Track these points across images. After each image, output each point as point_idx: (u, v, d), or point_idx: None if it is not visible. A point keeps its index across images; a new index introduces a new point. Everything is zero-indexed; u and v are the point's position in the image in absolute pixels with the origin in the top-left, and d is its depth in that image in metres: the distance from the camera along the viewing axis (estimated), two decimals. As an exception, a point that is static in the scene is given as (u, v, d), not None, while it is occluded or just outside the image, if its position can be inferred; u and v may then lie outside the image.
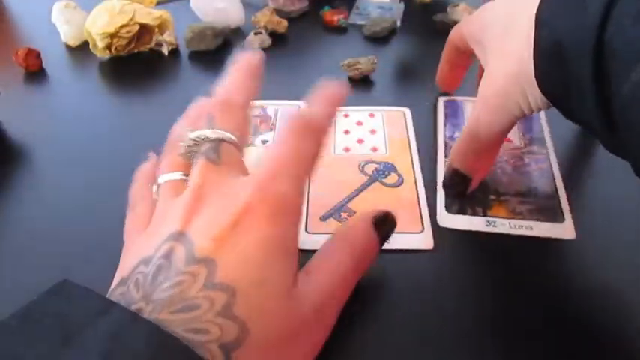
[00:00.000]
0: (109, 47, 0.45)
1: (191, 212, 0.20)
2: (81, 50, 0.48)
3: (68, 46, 0.48)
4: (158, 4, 0.54)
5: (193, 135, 0.23)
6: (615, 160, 0.22)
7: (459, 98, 0.39)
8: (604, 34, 0.20)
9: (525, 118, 0.34)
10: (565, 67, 0.21)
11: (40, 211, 0.32)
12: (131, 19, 0.45)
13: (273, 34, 0.49)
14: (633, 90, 0.18)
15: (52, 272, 0.28)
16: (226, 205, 0.20)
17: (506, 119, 0.26)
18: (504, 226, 0.28)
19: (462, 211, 0.29)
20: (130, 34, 0.45)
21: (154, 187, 0.24)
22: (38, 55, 0.45)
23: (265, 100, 0.39)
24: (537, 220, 0.29)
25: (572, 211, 0.29)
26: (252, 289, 0.18)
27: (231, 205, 0.19)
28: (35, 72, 0.45)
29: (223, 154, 0.22)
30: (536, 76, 0.23)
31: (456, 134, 0.35)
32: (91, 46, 0.46)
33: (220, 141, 0.22)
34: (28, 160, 0.36)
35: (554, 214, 0.29)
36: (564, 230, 0.28)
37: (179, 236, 0.19)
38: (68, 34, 0.48)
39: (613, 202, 0.30)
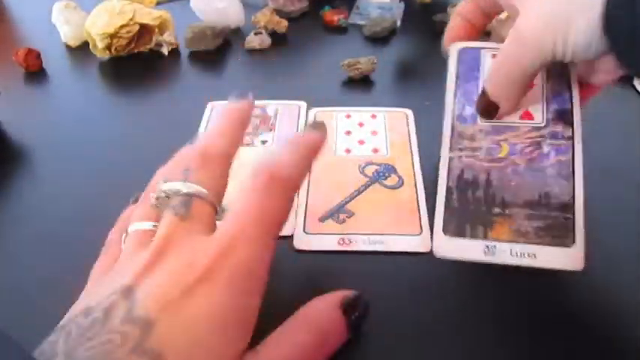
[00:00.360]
0: (109, 47, 0.45)
1: (146, 268, 0.19)
2: (81, 50, 0.48)
3: (68, 46, 0.48)
4: (158, 4, 0.54)
5: (165, 187, 0.22)
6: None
7: (479, 46, 0.30)
8: None
9: (555, 80, 0.28)
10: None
11: (40, 211, 0.32)
12: (131, 19, 0.45)
13: (273, 34, 0.49)
14: None
15: (51, 272, 0.28)
16: (182, 267, 0.19)
17: (538, 61, 0.24)
18: (505, 252, 0.25)
19: (460, 232, 0.26)
20: (130, 34, 0.45)
21: (123, 235, 0.23)
22: (38, 55, 0.45)
23: (265, 100, 0.39)
24: (543, 243, 0.25)
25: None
26: (183, 359, 0.17)
27: (188, 269, 0.19)
28: (35, 72, 0.45)
29: (193, 210, 0.21)
30: (604, 17, 0.22)
31: (467, 110, 0.28)
32: (91, 46, 0.46)
33: (192, 196, 0.21)
34: (28, 160, 0.36)
35: (563, 235, 0.25)
36: (572, 259, 0.24)
37: (126, 291, 0.18)
38: (68, 34, 0.48)
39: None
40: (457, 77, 0.29)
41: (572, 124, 0.27)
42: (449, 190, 0.26)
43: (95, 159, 0.36)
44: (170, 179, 0.22)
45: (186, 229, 0.20)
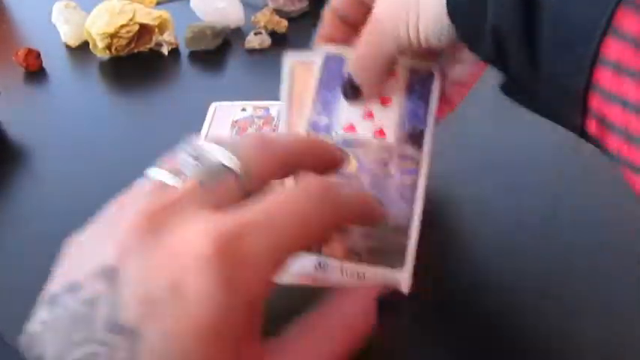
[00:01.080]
0: (109, 47, 0.45)
1: (134, 239, 0.16)
2: (81, 50, 0.48)
3: (68, 46, 0.48)
4: (158, 4, 0.54)
5: (207, 146, 0.19)
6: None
7: (345, 53, 0.28)
8: None
9: (414, 98, 0.28)
10: None
11: (40, 211, 0.32)
12: (131, 19, 0.45)
13: (273, 34, 0.48)
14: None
15: (51, 272, 0.28)
16: (175, 250, 0.16)
17: (392, 45, 0.24)
18: (336, 270, 0.24)
19: None
20: (130, 34, 0.45)
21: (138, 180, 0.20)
22: (38, 55, 0.45)
23: (268, 101, 0.39)
24: (373, 263, 0.24)
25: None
26: None
27: (178, 254, 0.16)
28: (35, 72, 0.45)
29: (220, 184, 0.18)
30: (448, 6, 0.21)
31: (323, 119, 0.27)
32: (91, 46, 0.46)
33: (228, 170, 0.18)
34: (28, 160, 0.36)
35: (394, 256, 0.24)
36: (398, 281, 0.23)
37: (110, 274, 0.16)
38: (68, 34, 0.48)
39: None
40: (319, 83, 0.27)
41: (421, 147, 0.26)
42: None
43: (95, 159, 0.36)
44: (219, 143, 0.19)
45: (198, 201, 0.17)
